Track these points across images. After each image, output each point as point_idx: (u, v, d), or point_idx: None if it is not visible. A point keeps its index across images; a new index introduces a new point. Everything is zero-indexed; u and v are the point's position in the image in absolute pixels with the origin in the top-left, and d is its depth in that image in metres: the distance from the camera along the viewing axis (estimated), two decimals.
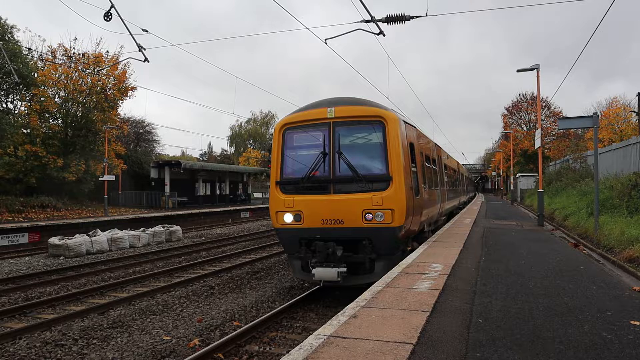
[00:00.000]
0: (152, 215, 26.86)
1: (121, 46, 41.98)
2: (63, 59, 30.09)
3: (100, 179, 29.30)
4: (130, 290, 10.56)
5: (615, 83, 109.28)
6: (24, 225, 19.56)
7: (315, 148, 8.77)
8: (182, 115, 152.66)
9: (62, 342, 6.96)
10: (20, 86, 26.72)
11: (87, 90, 30.33)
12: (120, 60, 30.58)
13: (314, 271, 8.26)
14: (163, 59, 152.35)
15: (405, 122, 9.19)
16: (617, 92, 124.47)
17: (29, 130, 28.92)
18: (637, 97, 33.34)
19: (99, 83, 30.54)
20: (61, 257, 15.41)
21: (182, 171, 39.00)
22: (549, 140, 49.81)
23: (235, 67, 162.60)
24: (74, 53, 30.28)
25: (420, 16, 10.52)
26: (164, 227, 20.28)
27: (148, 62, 12.97)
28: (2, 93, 27.67)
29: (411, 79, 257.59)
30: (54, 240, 15.99)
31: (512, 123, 55.34)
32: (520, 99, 54.78)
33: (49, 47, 30.76)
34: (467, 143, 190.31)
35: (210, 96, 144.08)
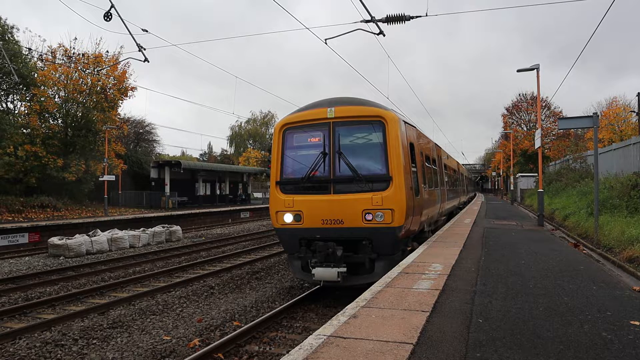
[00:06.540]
0: (152, 215, 26.84)
1: (121, 46, 41.86)
2: (63, 59, 30.08)
3: (100, 179, 29.30)
4: (130, 290, 10.56)
5: (632, 79, 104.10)
6: (24, 225, 19.56)
7: (315, 148, 8.78)
8: (180, 114, 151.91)
9: (62, 342, 6.96)
10: (20, 86, 26.75)
11: (87, 90, 30.32)
12: (120, 60, 30.60)
13: (314, 271, 8.26)
14: (160, 56, 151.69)
15: (405, 122, 9.20)
16: (631, 88, 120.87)
17: (29, 130, 28.88)
18: (637, 97, 33.35)
19: (99, 83, 30.53)
20: (61, 257, 15.42)
21: (182, 171, 39.00)
22: (549, 140, 49.77)
23: (233, 62, 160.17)
24: (73, 53, 30.28)
25: (420, 16, 10.53)
26: (164, 227, 20.28)
27: (148, 62, 12.98)
28: (2, 93, 27.71)
29: (417, 74, 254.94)
30: (54, 240, 15.99)
31: (512, 123, 55.33)
32: (520, 99, 54.83)
33: (49, 47, 30.87)
34: (470, 142, 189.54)
35: (209, 93, 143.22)
